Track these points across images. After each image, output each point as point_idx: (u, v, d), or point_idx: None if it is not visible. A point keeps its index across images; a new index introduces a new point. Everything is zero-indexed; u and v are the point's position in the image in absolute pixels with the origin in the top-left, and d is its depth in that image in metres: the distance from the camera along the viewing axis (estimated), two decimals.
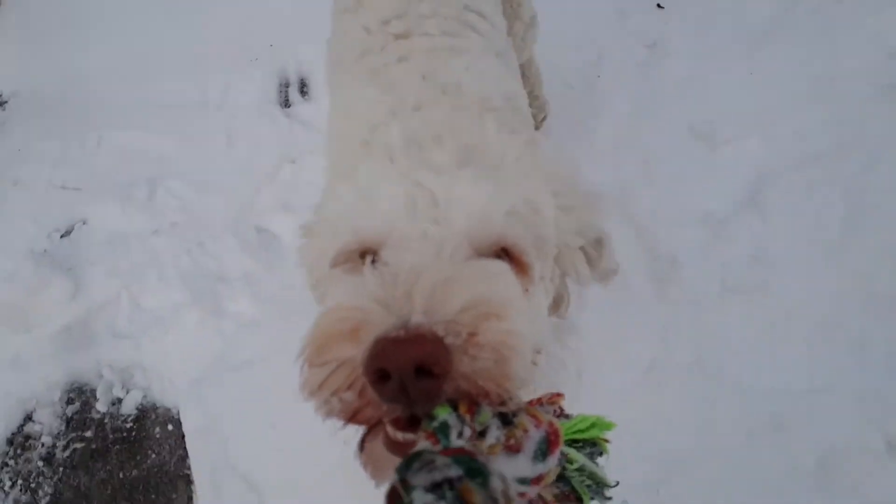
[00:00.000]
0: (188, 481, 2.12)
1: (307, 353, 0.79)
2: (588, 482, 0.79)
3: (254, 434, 2.07)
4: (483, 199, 0.95)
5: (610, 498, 0.80)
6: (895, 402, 1.90)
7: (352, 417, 0.76)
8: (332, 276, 1.02)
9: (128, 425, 2.24)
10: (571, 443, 0.81)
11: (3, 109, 2.97)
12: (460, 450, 0.64)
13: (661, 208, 2.33)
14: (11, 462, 2.21)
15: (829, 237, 2.19)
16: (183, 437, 2.18)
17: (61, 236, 2.61)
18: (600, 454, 0.83)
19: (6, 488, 2.17)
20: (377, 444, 0.76)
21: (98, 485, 2.15)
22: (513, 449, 0.67)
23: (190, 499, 2.09)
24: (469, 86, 1.36)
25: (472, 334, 0.71)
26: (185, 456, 2.15)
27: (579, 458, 0.79)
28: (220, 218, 2.56)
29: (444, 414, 0.68)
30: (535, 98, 2.50)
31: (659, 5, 3.04)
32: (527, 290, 0.99)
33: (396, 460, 0.67)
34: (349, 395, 0.73)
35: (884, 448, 1.87)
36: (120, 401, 2.28)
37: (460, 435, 0.66)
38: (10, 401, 2.28)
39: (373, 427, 0.77)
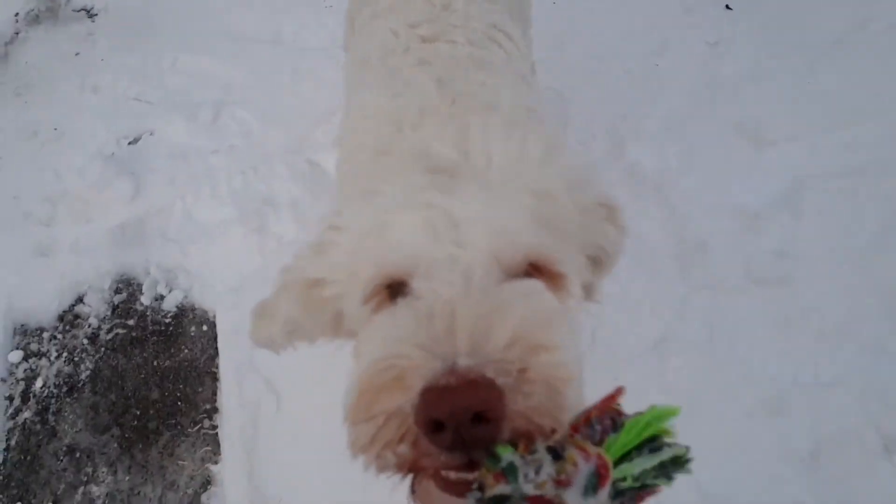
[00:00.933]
0: (215, 378, 2.28)
1: (352, 409, 0.75)
2: (658, 475, 0.75)
3: None
4: (503, 214, 0.88)
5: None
6: None
7: (409, 469, 0.74)
8: (361, 316, 0.94)
9: (167, 320, 2.41)
10: (627, 454, 0.75)
11: (93, 21, 3.17)
12: (546, 500, 0.64)
13: (696, 195, 2.39)
14: (60, 336, 2.40)
15: (859, 245, 2.23)
16: (215, 337, 2.33)
17: (129, 143, 2.80)
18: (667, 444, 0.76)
19: (52, 358, 2.36)
20: (429, 486, 0.73)
21: (133, 368, 2.33)
22: (563, 483, 0.65)
23: (214, 393, 2.25)
24: (483, 96, 1.33)
25: (522, 370, 0.68)
26: (214, 355, 2.31)
27: (634, 469, 0.73)
28: (276, 147, 2.71)
29: (507, 454, 0.67)
30: None
31: (728, 6, 3.08)
32: (564, 303, 0.91)
33: (450, 499, 0.69)
34: (404, 448, 0.70)
35: (880, 447, 1.92)
36: (162, 297, 2.45)
37: (526, 476, 0.65)
38: (65, 282, 2.47)
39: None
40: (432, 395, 0.65)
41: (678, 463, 0.75)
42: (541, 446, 0.68)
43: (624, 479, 0.72)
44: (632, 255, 2.28)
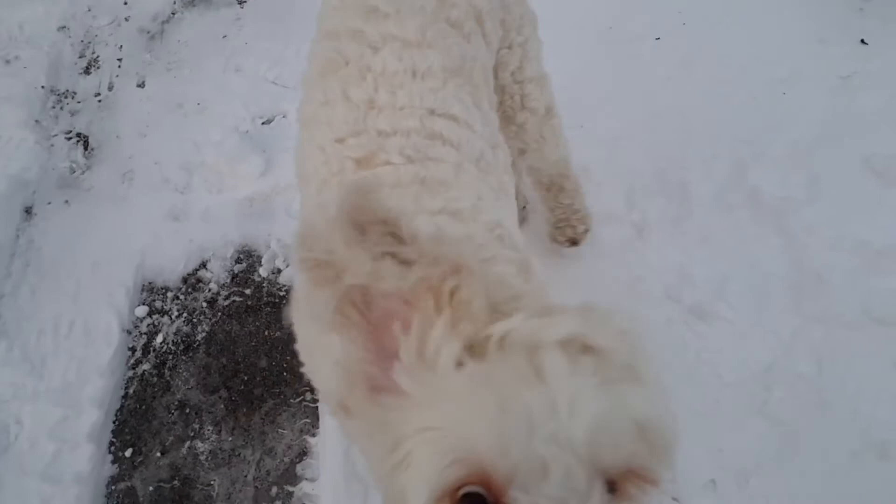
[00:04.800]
0: None
1: None
2: None
3: None
4: (606, 402, 0.68)
5: None
6: None
7: None
8: None
9: (281, 293, 2.55)
10: None
11: (241, 7, 3.42)
12: None
13: (817, 227, 2.34)
14: (182, 297, 2.59)
15: None
16: None
17: (263, 123, 2.98)
18: None
19: (173, 317, 2.55)
20: None
21: (245, 335, 2.48)
22: None
23: None
24: (452, 229, 1.13)
25: None
26: None
27: None
28: None
29: None
30: (574, 211, 2.29)
31: (863, 41, 2.99)
32: None
33: None
34: None
35: None
36: (280, 271, 2.60)
37: None
38: (192, 246, 2.65)
39: None
40: None
41: None
42: None
43: None
44: (745, 280, 2.27)
